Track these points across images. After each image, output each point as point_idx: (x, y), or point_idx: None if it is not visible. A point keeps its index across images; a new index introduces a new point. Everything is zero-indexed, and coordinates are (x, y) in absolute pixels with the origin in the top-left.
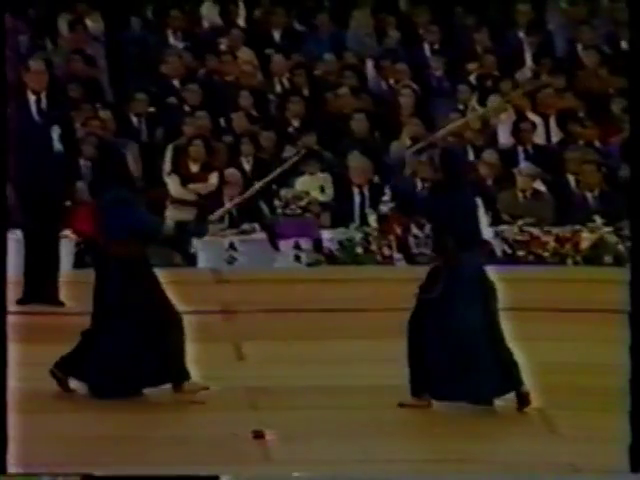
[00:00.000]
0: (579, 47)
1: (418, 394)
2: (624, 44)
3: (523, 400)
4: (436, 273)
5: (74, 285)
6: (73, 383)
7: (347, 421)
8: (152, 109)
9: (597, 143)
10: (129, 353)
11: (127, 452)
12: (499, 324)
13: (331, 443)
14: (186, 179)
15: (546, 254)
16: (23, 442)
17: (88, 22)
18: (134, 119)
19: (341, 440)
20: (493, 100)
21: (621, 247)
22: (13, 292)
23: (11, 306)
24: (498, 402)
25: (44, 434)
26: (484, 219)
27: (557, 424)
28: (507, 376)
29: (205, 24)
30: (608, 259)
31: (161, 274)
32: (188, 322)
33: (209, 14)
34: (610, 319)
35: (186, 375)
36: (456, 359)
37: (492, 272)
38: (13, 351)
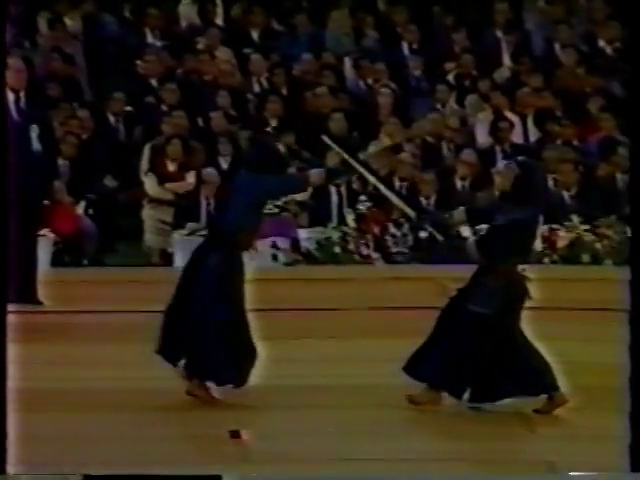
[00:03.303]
0: (557, 46)
1: (436, 389)
2: (601, 43)
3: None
4: (493, 287)
5: (52, 284)
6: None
7: (326, 420)
8: (129, 108)
9: (575, 142)
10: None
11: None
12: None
13: (308, 442)
14: (163, 178)
15: None
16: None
17: (67, 20)
18: (112, 118)
19: (318, 439)
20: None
21: (598, 246)
22: None
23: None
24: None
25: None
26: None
27: (536, 423)
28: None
29: (183, 23)
30: (585, 258)
31: (139, 273)
32: None
33: (187, 13)
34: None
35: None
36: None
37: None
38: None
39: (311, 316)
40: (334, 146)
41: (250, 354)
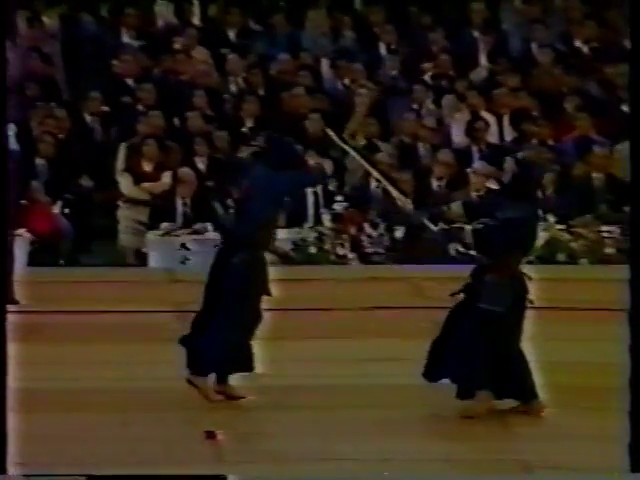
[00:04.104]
0: (533, 46)
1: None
2: (578, 42)
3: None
4: (501, 285)
5: (29, 283)
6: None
7: (302, 421)
8: (106, 108)
9: (550, 141)
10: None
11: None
12: None
13: (284, 442)
14: (139, 178)
15: None
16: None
17: (45, 20)
18: (89, 118)
19: (293, 439)
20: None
21: (574, 245)
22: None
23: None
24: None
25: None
26: None
27: (514, 423)
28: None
29: (159, 23)
30: (561, 257)
31: (114, 273)
32: (141, 322)
33: (163, 13)
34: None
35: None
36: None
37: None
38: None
39: (287, 316)
40: (338, 141)
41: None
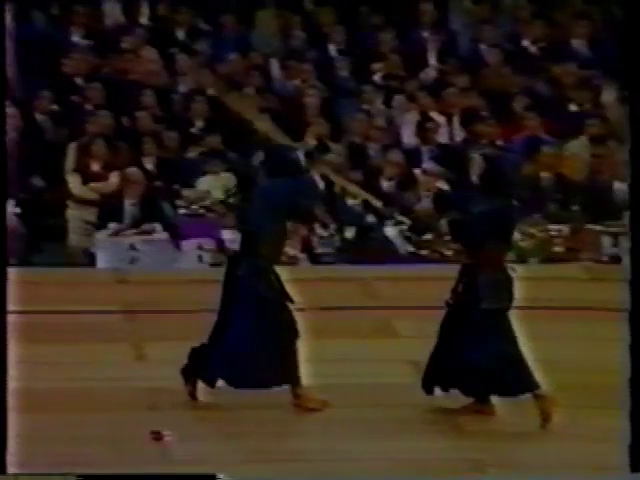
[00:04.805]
0: (482, 46)
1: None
2: (526, 42)
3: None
4: (494, 281)
5: None
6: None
7: (244, 421)
8: (56, 107)
9: (500, 141)
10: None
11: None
12: None
13: (230, 443)
14: (87, 178)
15: (449, 252)
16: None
17: None
18: (39, 117)
19: (240, 440)
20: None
21: (523, 244)
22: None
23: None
24: None
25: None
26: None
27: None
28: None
29: (108, 22)
30: (510, 256)
31: (62, 273)
32: (89, 322)
33: (112, 11)
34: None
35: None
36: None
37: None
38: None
39: None
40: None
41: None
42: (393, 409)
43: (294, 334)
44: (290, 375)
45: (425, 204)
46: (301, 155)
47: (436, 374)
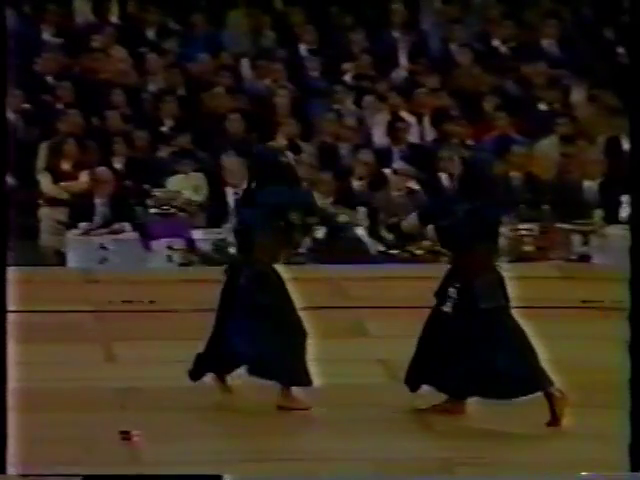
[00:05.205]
0: (452, 46)
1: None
2: (496, 42)
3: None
4: (487, 280)
5: None
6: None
7: (216, 421)
8: (27, 106)
9: (470, 141)
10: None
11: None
12: None
13: (199, 444)
14: (58, 177)
15: (420, 252)
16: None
17: None
18: (11, 116)
19: (209, 440)
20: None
21: None
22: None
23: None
24: None
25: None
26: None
27: (433, 422)
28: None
29: (79, 20)
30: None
31: (32, 273)
32: (59, 322)
33: (82, 10)
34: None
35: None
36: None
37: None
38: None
39: (206, 317)
40: None
41: None
42: (364, 409)
43: (302, 334)
44: (301, 376)
45: (411, 220)
46: (292, 161)
47: (427, 375)
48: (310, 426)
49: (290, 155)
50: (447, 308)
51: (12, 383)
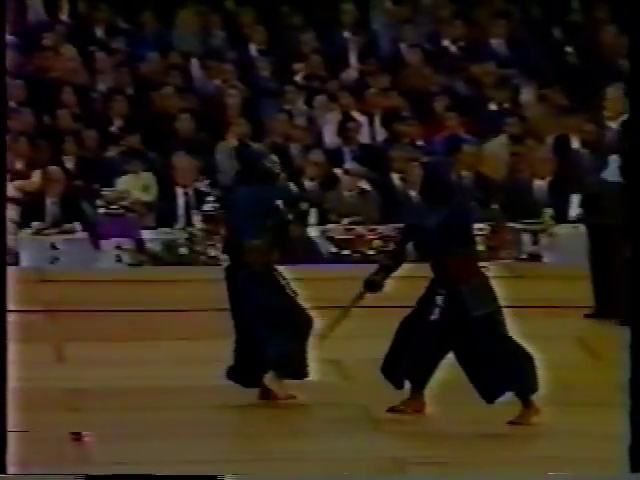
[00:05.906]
0: (403, 46)
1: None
2: (446, 42)
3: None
4: (477, 287)
5: None
6: None
7: (167, 422)
8: None
9: (420, 141)
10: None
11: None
12: None
13: (150, 444)
14: (10, 176)
15: (371, 252)
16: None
17: None
18: None
19: (160, 441)
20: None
21: None
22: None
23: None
24: None
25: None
26: None
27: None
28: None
29: (31, 17)
30: None
31: None
32: (10, 322)
33: (34, 8)
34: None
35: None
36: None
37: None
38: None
39: (156, 317)
40: None
41: None
42: (317, 408)
43: (307, 325)
44: (303, 369)
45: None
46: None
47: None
48: (258, 427)
49: (275, 158)
50: (435, 316)
51: None
